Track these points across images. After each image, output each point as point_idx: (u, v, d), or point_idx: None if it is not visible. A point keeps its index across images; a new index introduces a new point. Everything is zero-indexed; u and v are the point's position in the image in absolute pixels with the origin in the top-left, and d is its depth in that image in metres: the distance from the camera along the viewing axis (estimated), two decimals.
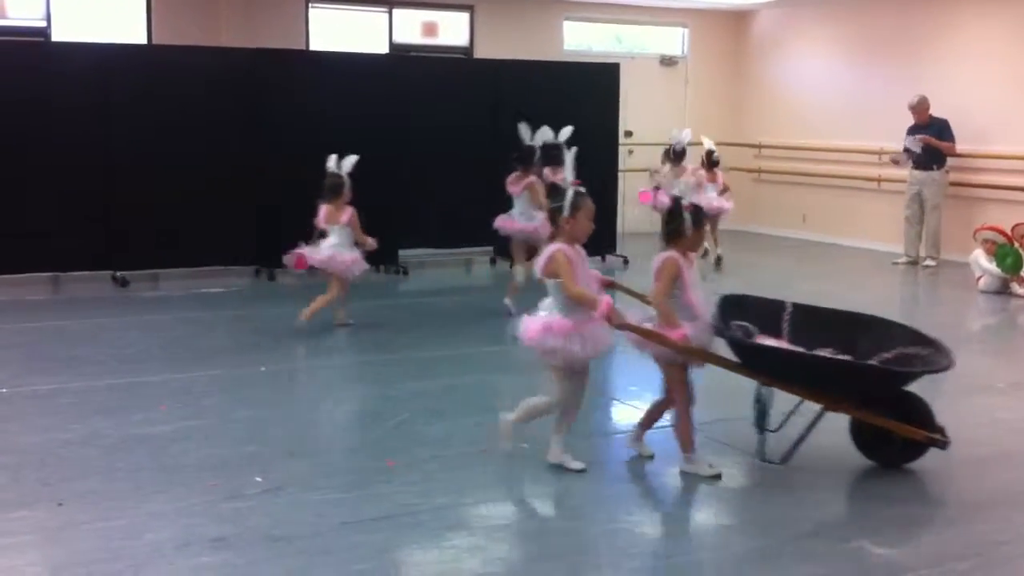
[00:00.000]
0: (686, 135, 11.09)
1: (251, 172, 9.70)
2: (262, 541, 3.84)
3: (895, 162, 11.54)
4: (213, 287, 9.34)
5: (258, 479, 4.47)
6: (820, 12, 13.38)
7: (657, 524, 4.12)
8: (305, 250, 7.38)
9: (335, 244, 7.43)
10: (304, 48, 11.75)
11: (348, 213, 7.45)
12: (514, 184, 8.31)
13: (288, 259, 7.45)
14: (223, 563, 3.66)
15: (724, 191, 11.34)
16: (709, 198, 10.82)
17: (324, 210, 7.47)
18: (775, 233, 13.57)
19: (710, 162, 11.35)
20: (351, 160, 7.53)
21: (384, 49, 12.25)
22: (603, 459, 5.10)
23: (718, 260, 11.10)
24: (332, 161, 7.56)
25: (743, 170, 14.20)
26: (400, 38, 12.47)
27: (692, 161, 11.43)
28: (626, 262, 11.14)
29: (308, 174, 9.82)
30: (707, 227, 10.74)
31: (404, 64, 11.14)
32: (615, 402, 6.19)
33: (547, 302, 4.62)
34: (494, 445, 4.92)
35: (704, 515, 4.29)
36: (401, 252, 10.33)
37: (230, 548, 3.77)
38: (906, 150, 11.27)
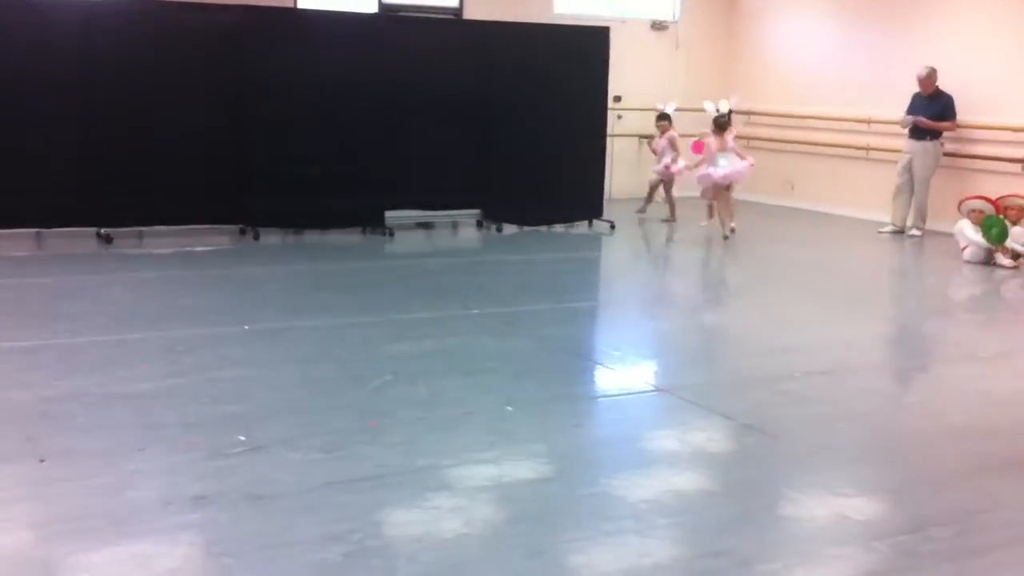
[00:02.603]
0: (726, 104, 11.03)
1: (237, 131, 9.61)
2: (244, 500, 3.84)
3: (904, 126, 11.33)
4: (198, 246, 9.29)
5: (241, 438, 4.46)
6: None
7: (639, 488, 4.12)
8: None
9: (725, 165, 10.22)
10: (292, 6, 11.62)
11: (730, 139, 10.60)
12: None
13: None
14: (205, 521, 3.66)
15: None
16: (738, 167, 10.77)
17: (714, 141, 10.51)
18: (764, 201, 13.56)
19: (721, 126, 11.05)
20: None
21: (373, 8, 12.13)
22: (587, 422, 5.12)
23: (731, 231, 10.83)
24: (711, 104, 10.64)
25: (736, 138, 14.14)
26: None
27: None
28: (613, 227, 11.12)
29: (293, 133, 9.81)
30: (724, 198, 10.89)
31: (393, 24, 11.04)
32: (598, 366, 6.19)
33: None
34: (478, 407, 4.93)
35: (686, 479, 4.30)
36: (387, 214, 10.28)
37: (212, 506, 3.77)
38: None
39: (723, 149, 10.87)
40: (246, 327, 6.45)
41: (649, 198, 12.06)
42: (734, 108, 11.34)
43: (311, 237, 9.92)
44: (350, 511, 3.77)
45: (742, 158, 10.88)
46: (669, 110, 11.83)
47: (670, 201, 11.90)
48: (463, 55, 10.43)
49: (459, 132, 10.43)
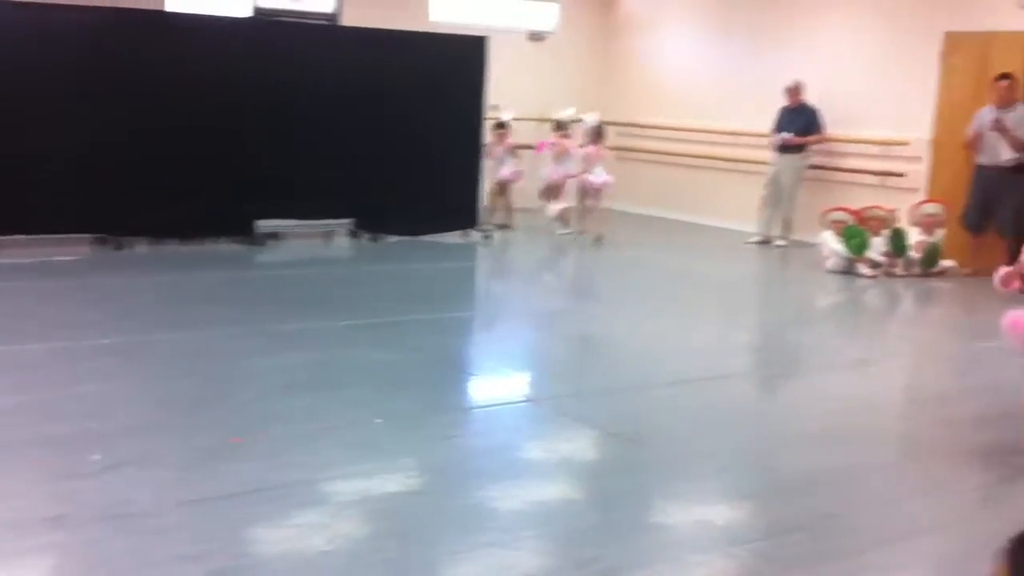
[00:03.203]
0: (593, 116, 11.61)
1: (100, 137, 9.28)
2: (100, 520, 3.70)
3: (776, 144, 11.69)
4: (57, 255, 8.95)
5: (96, 456, 4.30)
6: None
7: (508, 499, 4.12)
8: None
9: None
10: (160, 8, 11.31)
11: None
12: None
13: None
14: (59, 543, 3.51)
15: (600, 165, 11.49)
16: (598, 174, 11.21)
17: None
18: (639, 212, 13.79)
19: (596, 136, 11.47)
20: None
21: (248, 12, 11.91)
22: (459, 434, 5.10)
23: (598, 239, 11.20)
24: None
25: (610, 148, 14.34)
26: (264, 1, 12.14)
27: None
28: (488, 237, 11.15)
29: (159, 140, 9.53)
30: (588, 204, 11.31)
31: (267, 28, 10.85)
32: (471, 377, 6.19)
33: None
34: (348, 420, 4.87)
35: (553, 489, 4.32)
36: (259, 223, 10.07)
37: (66, 528, 3.62)
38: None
39: (598, 158, 11.25)
40: (106, 340, 6.24)
41: (497, 207, 12.09)
42: (569, 117, 11.79)
43: (177, 247, 9.63)
44: (210, 531, 3.67)
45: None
46: (566, 116, 11.95)
47: (507, 206, 12.02)
48: (339, 61, 10.31)
49: (333, 140, 10.29)
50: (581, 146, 11.54)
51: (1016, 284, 4.92)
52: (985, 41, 10.28)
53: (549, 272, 10.72)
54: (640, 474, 4.54)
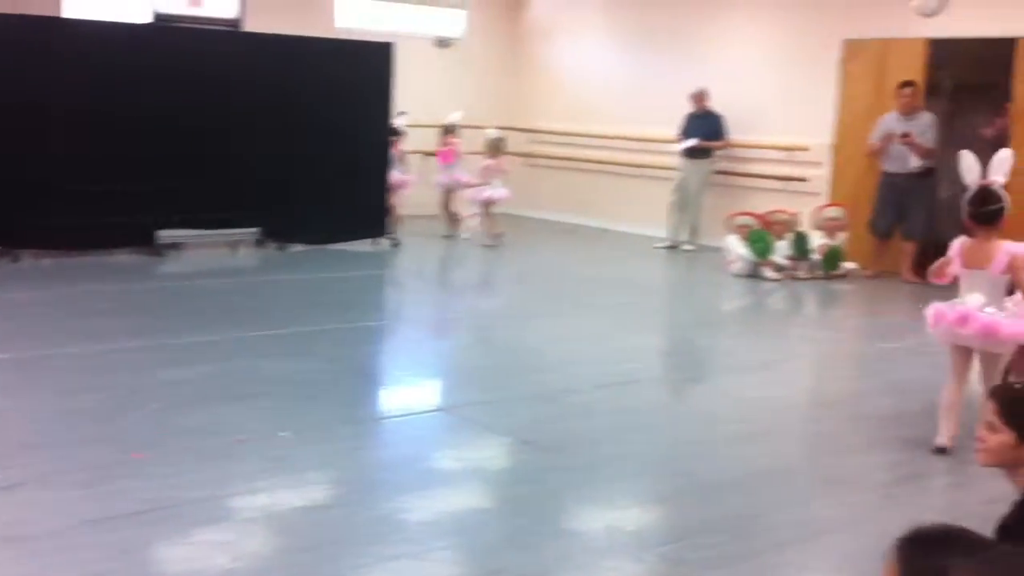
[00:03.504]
0: (459, 115, 11.72)
1: None
2: None
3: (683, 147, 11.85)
4: None
5: None
6: (595, 1, 13.69)
7: (419, 510, 4.07)
8: None
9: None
10: (57, 15, 10.97)
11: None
12: None
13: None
14: None
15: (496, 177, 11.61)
16: (496, 187, 11.51)
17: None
18: (549, 217, 13.84)
19: (495, 150, 11.55)
20: None
21: (147, 18, 11.63)
22: (369, 445, 5.03)
23: (496, 237, 11.38)
24: None
25: (519, 155, 14.38)
26: (164, 7, 11.88)
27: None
28: (396, 244, 11.06)
29: (55, 148, 9.22)
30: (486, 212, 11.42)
31: (167, 35, 10.62)
32: (382, 387, 6.12)
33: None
34: (254, 433, 4.77)
35: (465, 499, 4.29)
36: (161, 233, 9.80)
37: None
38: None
39: (498, 172, 11.59)
40: (2, 355, 6.01)
41: (451, 216, 12.06)
42: (457, 123, 11.89)
43: (76, 259, 9.34)
44: (110, 550, 3.55)
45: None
46: (452, 120, 11.95)
47: (453, 214, 12.02)
48: (243, 68, 10.11)
49: (238, 147, 10.09)
50: (485, 160, 11.62)
51: (944, 277, 5.08)
52: (883, 48, 10.55)
53: (463, 279, 10.68)
54: (552, 481, 4.53)
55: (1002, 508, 2.75)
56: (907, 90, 10.00)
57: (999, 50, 9.73)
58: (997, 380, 4.47)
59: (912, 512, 4.24)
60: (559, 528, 4.06)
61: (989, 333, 4.76)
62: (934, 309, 5.00)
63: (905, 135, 9.82)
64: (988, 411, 2.79)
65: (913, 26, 10.33)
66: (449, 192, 11.98)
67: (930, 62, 10.27)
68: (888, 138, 10.00)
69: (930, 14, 10.21)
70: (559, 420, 5.39)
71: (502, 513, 4.21)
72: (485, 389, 6.08)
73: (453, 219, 11.99)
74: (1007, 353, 4.87)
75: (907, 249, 10.08)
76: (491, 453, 4.88)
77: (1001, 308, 4.85)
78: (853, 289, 9.89)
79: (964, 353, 4.99)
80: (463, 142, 11.94)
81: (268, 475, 4.36)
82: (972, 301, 4.84)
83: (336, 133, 10.57)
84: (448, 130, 11.95)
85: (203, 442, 4.70)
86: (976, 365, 5.04)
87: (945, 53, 10.30)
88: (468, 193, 11.78)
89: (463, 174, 11.80)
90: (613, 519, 4.09)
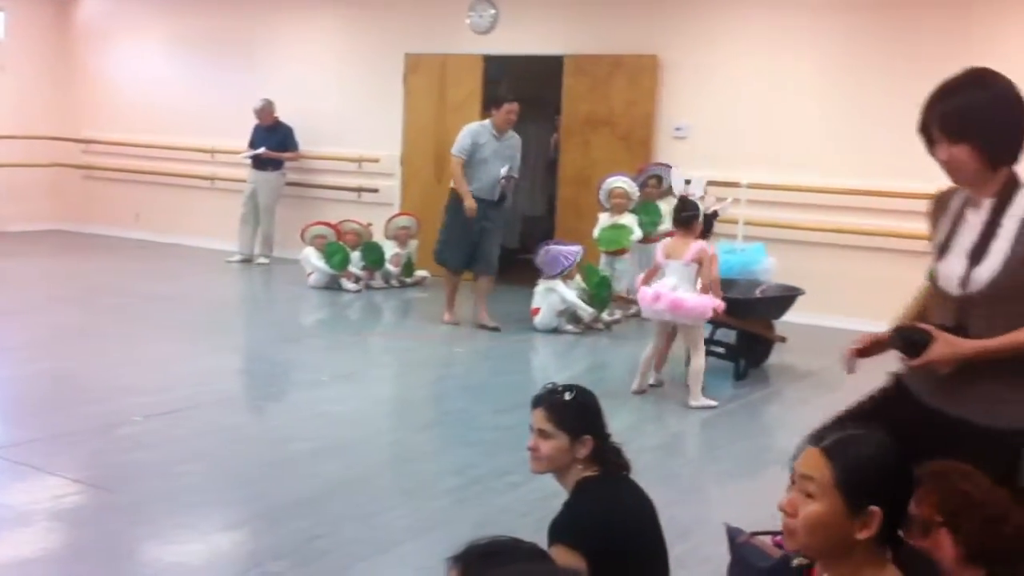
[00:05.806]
0: None
1: None
2: None
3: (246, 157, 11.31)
4: None
5: None
6: (150, 6, 12.99)
7: None
8: None
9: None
10: None
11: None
12: None
13: None
14: None
15: None
16: None
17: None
18: (106, 232, 12.95)
19: None
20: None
21: None
22: None
23: None
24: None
25: (70, 166, 13.37)
26: None
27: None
28: None
29: None
30: None
31: None
32: None
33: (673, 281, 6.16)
34: None
35: (11, 551, 3.79)
36: None
37: None
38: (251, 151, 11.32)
39: None
40: None
41: None
42: None
43: None
44: None
45: None
46: None
47: None
48: None
49: None
50: None
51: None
52: (441, 63, 10.92)
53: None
54: (111, 521, 4.14)
55: (557, 503, 2.84)
56: (515, 106, 8.63)
57: (550, 66, 10.39)
58: (698, 346, 6.27)
59: (481, 514, 4.34)
60: (118, 571, 3.70)
61: (676, 307, 6.12)
62: (642, 291, 6.31)
63: (508, 179, 8.70)
64: (538, 420, 2.86)
65: (468, 42, 10.80)
66: None
67: (487, 77, 10.78)
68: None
69: (483, 31, 10.73)
70: (119, 453, 4.97)
71: (56, 562, 3.78)
72: (35, 426, 5.46)
73: None
74: (699, 325, 6.30)
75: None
76: (40, 496, 4.36)
77: (691, 290, 6.18)
78: (428, 296, 10.09)
79: (663, 325, 6.43)
80: None
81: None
82: (665, 284, 6.19)
83: None
84: None
85: None
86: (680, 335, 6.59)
87: (501, 68, 10.84)
88: None
89: None
90: (176, 554, 3.81)
